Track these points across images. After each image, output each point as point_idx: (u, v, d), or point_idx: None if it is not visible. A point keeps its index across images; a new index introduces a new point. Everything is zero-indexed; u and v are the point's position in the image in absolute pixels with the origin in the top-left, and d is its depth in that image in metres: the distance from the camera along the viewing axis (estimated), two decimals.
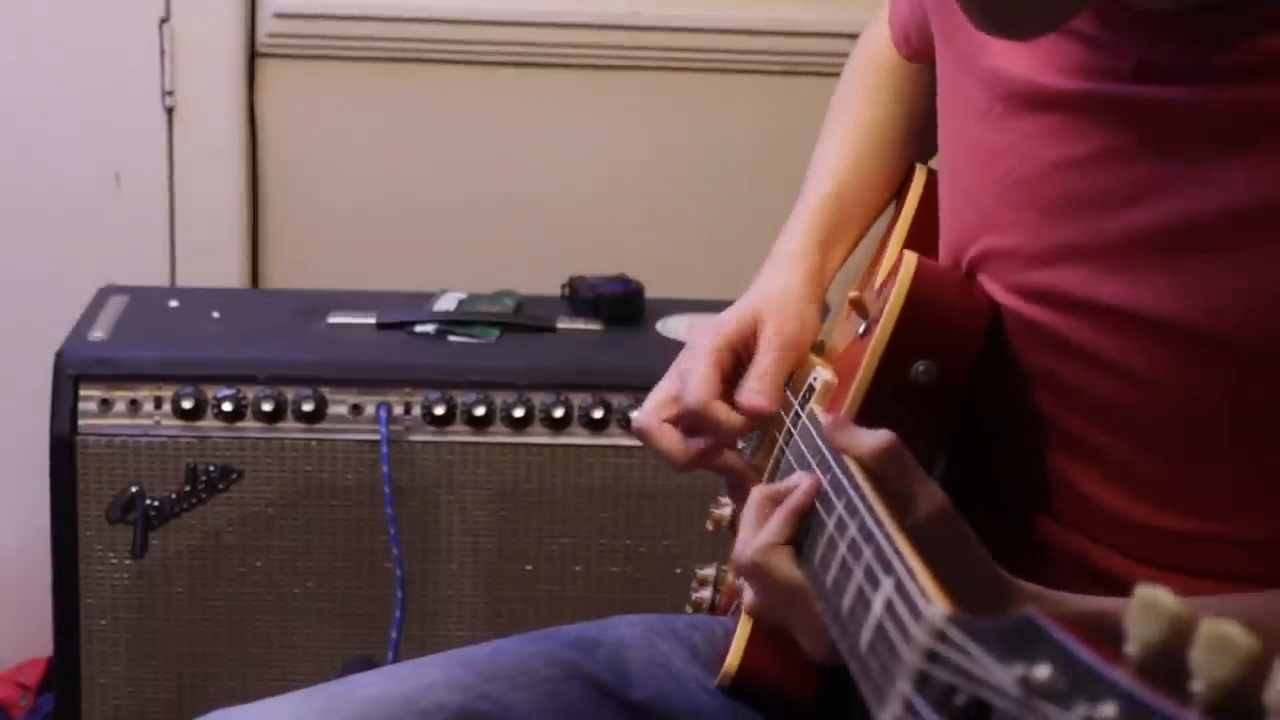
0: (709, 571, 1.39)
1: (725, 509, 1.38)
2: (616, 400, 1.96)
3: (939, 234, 1.18)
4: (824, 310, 1.28)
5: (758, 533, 1.01)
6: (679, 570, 1.97)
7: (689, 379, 1.20)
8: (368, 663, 1.95)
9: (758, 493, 1.04)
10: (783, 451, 1.17)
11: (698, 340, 1.22)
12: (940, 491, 0.98)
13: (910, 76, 1.35)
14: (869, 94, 1.37)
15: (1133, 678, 0.57)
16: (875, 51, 1.38)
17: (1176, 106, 0.98)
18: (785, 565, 0.98)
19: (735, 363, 1.22)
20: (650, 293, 2.18)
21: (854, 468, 0.94)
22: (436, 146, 2.43)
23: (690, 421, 1.20)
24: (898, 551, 0.80)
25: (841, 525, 0.90)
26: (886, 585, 0.78)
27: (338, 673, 1.95)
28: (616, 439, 1.96)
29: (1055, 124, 1.04)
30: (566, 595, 1.99)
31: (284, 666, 1.99)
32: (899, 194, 1.34)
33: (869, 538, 0.85)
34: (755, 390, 1.18)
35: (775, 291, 1.24)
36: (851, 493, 0.91)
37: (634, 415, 1.25)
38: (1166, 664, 0.58)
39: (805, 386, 1.18)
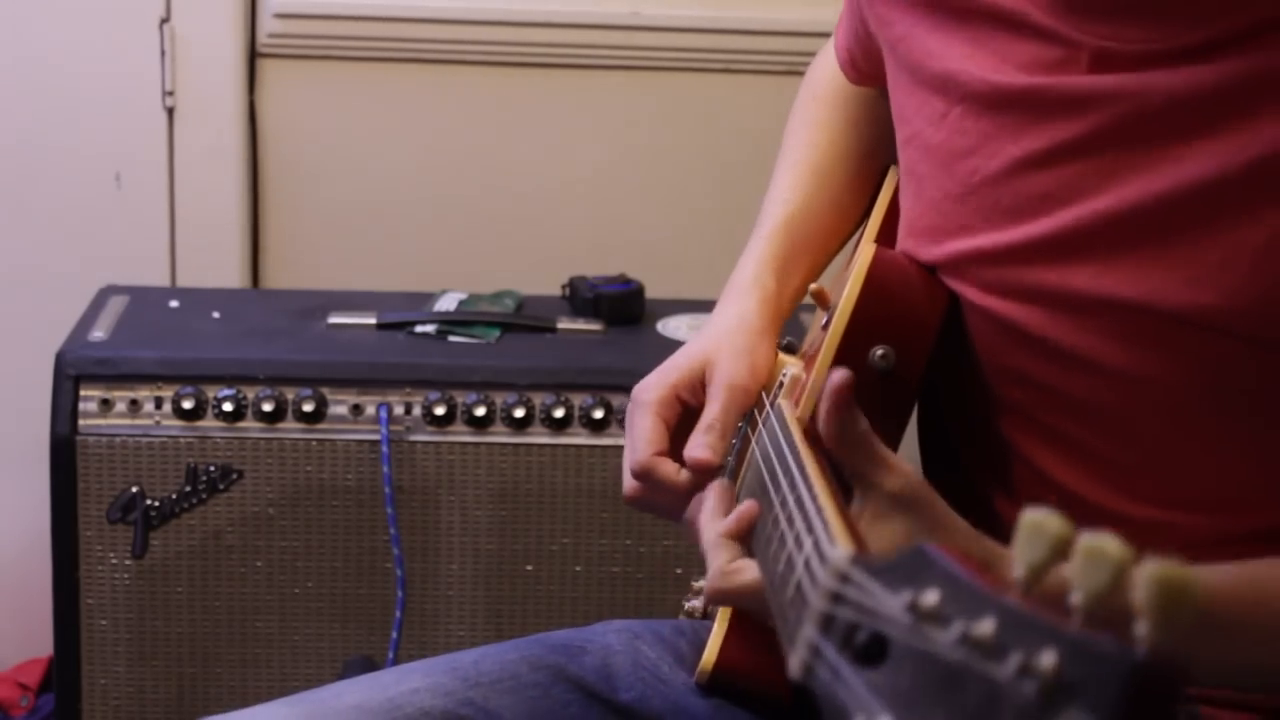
0: (703, 583, 1.39)
1: None
2: (617, 400, 1.96)
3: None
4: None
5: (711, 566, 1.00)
6: (679, 571, 1.97)
7: (631, 437, 1.16)
8: (368, 663, 1.95)
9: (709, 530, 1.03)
10: (751, 453, 1.16)
11: (640, 395, 1.18)
12: (907, 465, 0.98)
13: (861, 102, 1.35)
14: (822, 121, 1.36)
15: (1014, 595, 0.59)
16: (826, 80, 1.38)
17: (1136, 91, 0.99)
18: (748, 576, 0.97)
19: (683, 412, 1.17)
20: (650, 293, 2.18)
21: (802, 447, 0.95)
22: (436, 146, 2.43)
23: (639, 481, 1.15)
24: (820, 511, 0.81)
25: (784, 503, 0.91)
26: (807, 544, 0.79)
27: (338, 673, 1.95)
28: (617, 439, 1.95)
29: (1015, 121, 1.05)
30: (567, 596, 1.99)
31: (284, 667, 1.99)
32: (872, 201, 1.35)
33: (801, 505, 0.86)
34: (699, 444, 1.12)
35: (726, 327, 1.21)
36: (795, 472, 0.92)
37: (623, 491, 1.20)
38: (1051, 584, 0.59)
39: (775, 383, 1.19)
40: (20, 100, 2.34)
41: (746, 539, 0.99)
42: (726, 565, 0.98)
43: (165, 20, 2.34)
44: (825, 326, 1.12)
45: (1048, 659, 0.55)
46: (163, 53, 2.34)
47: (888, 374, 1.07)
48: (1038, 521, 0.60)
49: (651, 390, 1.17)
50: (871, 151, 1.35)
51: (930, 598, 0.62)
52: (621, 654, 1.21)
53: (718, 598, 1.00)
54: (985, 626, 0.58)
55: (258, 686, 1.97)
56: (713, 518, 1.03)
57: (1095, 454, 1.05)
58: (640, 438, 1.15)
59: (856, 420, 0.94)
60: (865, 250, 1.10)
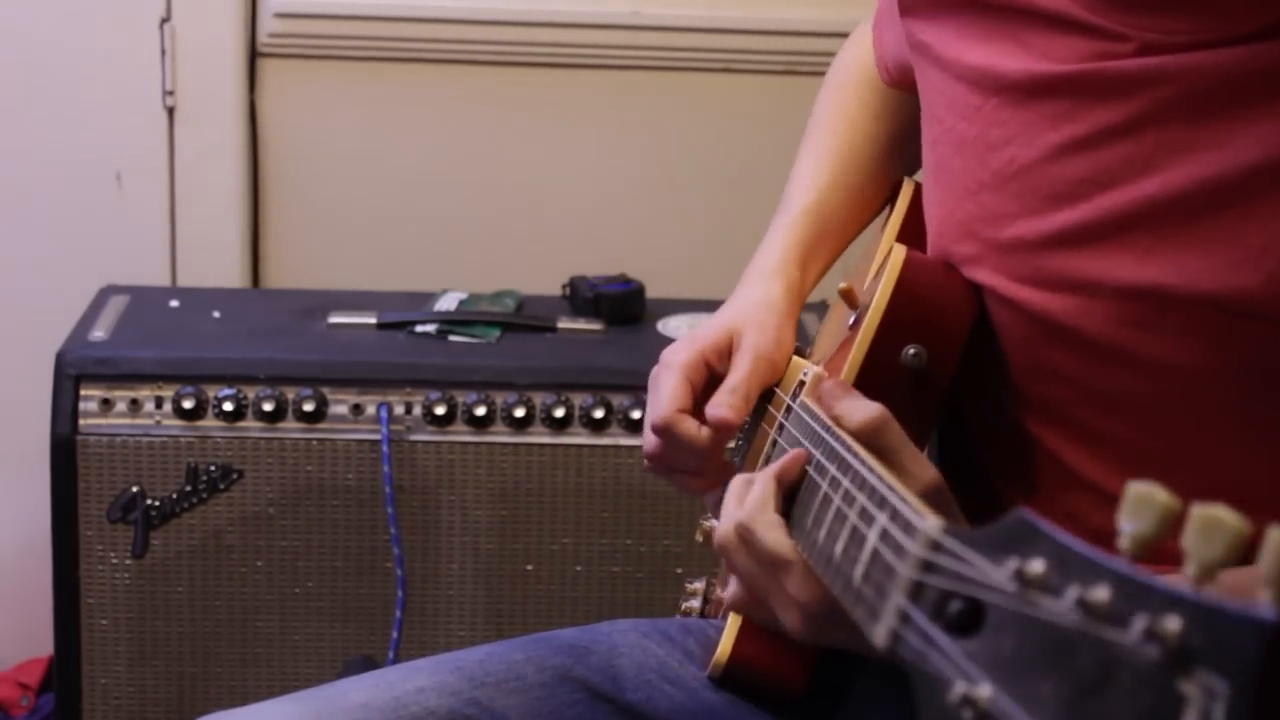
0: (698, 585, 1.39)
1: (714, 521, 1.38)
2: (617, 400, 1.96)
3: (926, 241, 1.19)
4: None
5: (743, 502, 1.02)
6: (680, 570, 1.97)
7: (656, 394, 1.20)
8: (368, 663, 1.95)
9: (738, 477, 1.05)
10: (774, 445, 1.17)
11: (669, 356, 1.22)
12: (932, 466, 1.00)
13: (890, 94, 1.36)
14: (849, 111, 1.37)
15: (1125, 562, 0.59)
16: (856, 69, 1.39)
17: (1186, 71, 0.99)
18: (774, 533, 0.99)
19: (709, 377, 1.21)
20: (651, 293, 2.18)
21: (848, 437, 0.97)
22: (437, 146, 2.43)
23: (660, 437, 1.19)
24: (891, 488, 0.82)
25: (835, 484, 0.92)
26: (881, 518, 0.81)
27: (338, 672, 1.95)
28: (617, 439, 1.96)
29: (1056, 108, 1.04)
30: (567, 595, 1.99)
31: (285, 666, 1.99)
32: (886, 209, 1.36)
33: (862, 485, 0.87)
34: (721, 403, 1.16)
35: (752, 305, 1.24)
36: (846, 455, 0.93)
37: (644, 450, 1.23)
38: (1159, 556, 0.60)
39: (795, 383, 1.19)
40: (21, 100, 2.34)
41: (790, 485, 1.01)
42: (770, 510, 1.00)
43: (165, 20, 2.34)
44: (853, 326, 1.13)
45: (1172, 623, 0.55)
46: (163, 52, 2.34)
47: (920, 373, 1.08)
48: (1145, 494, 0.61)
49: (680, 353, 1.21)
50: (895, 142, 1.36)
51: (1036, 565, 0.62)
52: (628, 654, 1.21)
53: (744, 529, 1.00)
54: (1100, 593, 0.58)
55: (258, 686, 1.97)
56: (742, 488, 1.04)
57: (1126, 446, 1.05)
58: (665, 395, 1.19)
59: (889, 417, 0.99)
60: (896, 251, 1.11)
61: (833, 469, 0.94)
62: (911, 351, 1.08)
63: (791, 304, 1.26)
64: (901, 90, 1.34)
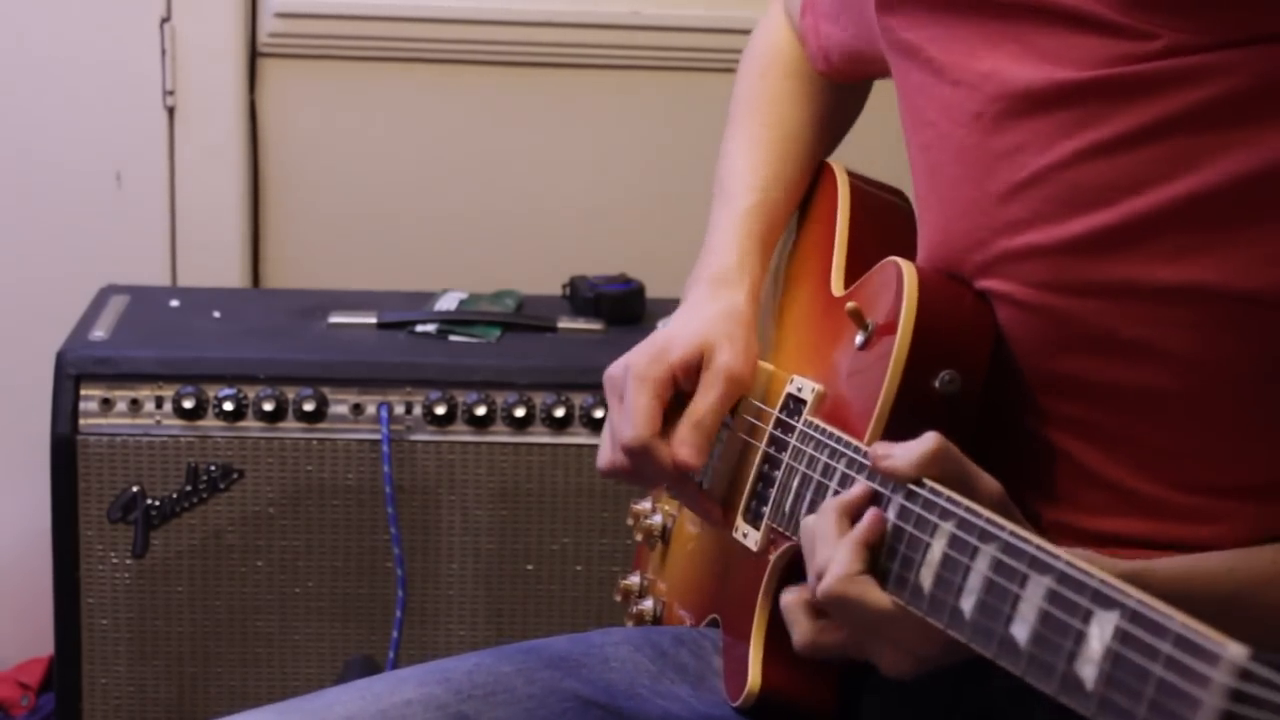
0: (633, 580, 1.37)
1: (655, 518, 1.36)
2: None
3: (879, 235, 1.18)
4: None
5: (821, 564, 0.98)
6: None
7: (629, 412, 1.17)
8: (368, 663, 1.95)
9: (804, 541, 1.02)
10: (768, 461, 1.15)
11: (639, 368, 1.19)
12: (991, 478, 0.98)
13: (814, 79, 1.35)
14: (777, 98, 1.36)
15: None
16: (775, 55, 1.38)
17: (1213, 73, 0.97)
18: (872, 594, 0.96)
19: (675, 393, 1.19)
20: (651, 293, 2.18)
21: (940, 486, 0.93)
22: (437, 146, 2.43)
23: (631, 459, 1.17)
24: (1110, 584, 0.78)
25: (965, 547, 0.89)
26: (1108, 617, 0.77)
27: (338, 673, 1.95)
28: None
29: (1073, 114, 1.03)
30: (567, 596, 1.99)
31: (285, 666, 1.98)
32: (811, 191, 1.34)
33: (1040, 566, 0.83)
34: (686, 441, 1.16)
35: (719, 315, 1.22)
36: (965, 515, 0.90)
37: (604, 461, 1.21)
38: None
39: (783, 396, 1.16)
40: (20, 100, 2.34)
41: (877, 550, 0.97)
42: (858, 574, 0.96)
43: (166, 20, 2.34)
44: (864, 348, 1.09)
45: None
46: (163, 52, 2.34)
47: (954, 396, 1.04)
48: None
49: (652, 367, 1.19)
50: (823, 126, 1.35)
51: None
52: (619, 668, 1.19)
53: (835, 599, 0.97)
54: None
55: (258, 686, 1.97)
56: (836, 519, 1.00)
57: (1146, 445, 1.04)
58: (640, 415, 1.17)
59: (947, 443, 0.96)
60: (908, 273, 1.07)
61: (949, 528, 0.90)
62: (947, 377, 1.04)
63: (754, 308, 1.24)
64: (838, 79, 1.33)
